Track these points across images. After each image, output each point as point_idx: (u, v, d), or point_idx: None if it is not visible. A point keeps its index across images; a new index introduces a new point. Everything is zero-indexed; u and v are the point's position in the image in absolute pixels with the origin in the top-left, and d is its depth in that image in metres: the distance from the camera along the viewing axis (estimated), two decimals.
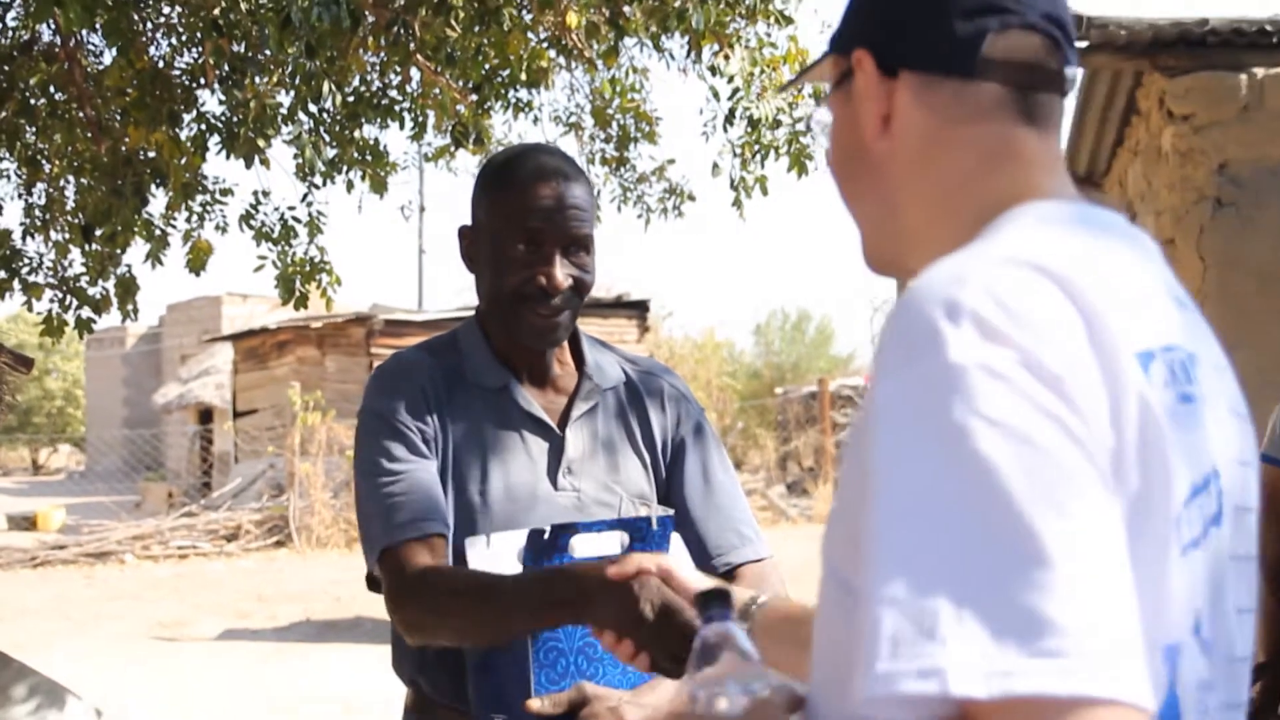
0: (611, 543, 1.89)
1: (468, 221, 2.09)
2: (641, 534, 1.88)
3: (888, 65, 1.09)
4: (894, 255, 1.15)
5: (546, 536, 1.80)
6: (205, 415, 29.04)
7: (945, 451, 0.82)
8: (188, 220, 6.67)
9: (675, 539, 1.95)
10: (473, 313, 2.15)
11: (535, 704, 1.75)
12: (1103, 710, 0.76)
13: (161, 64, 6.18)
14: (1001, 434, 0.81)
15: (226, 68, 5.62)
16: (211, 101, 6.30)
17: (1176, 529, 0.91)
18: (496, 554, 1.87)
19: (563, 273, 1.95)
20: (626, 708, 1.78)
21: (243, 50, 5.64)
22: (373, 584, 1.96)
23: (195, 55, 6.22)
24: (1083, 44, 5.38)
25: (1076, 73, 1.10)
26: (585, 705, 1.77)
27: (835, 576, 0.97)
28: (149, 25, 6.23)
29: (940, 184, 1.08)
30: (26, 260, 6.71)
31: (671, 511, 2.03)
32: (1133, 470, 0.87)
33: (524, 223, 1.95)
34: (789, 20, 5.93)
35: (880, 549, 0.83)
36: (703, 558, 2.00)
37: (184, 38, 6.30)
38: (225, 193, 6.77)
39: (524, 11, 5.74)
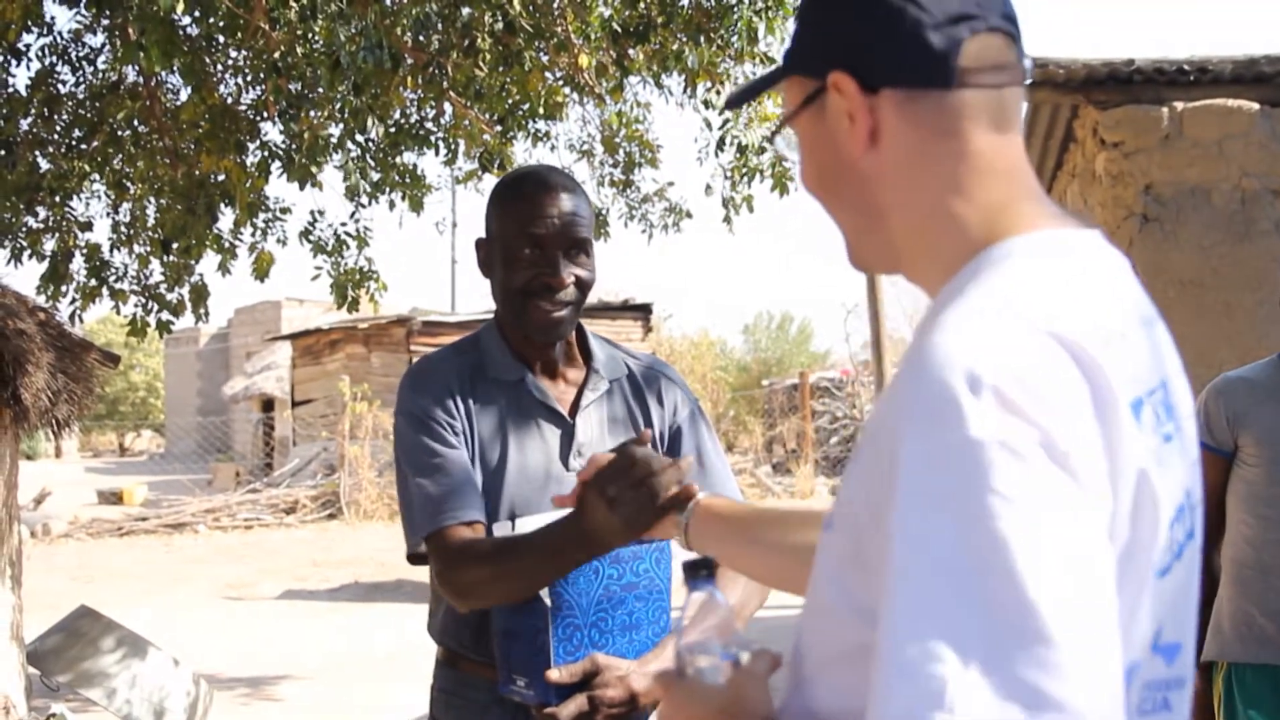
0: None
1: (483, 235, 2.07)
2: None
3: (869, 84, 0.99)
4: (877, 259, 1.07)
5: None
6: (267, 404, 29.05)
7: (962, 525, 0.78)
8: (252, 235, 6.71)
9: None
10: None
11: (554, 674, 1.74)
12: None
13: (230, 100, 6.21)
14: (1015, 512, 0.77)
15: (285, 103, 5.66)
16: (273, 132, 6.30)
17: (1156, 562, 0.89)
18: (519, 533, 1.87)
19: (566, 271, 1.93)
20: (633, 676, 1.78)
21: (299, 88, 5.67)
22: (414, 559, 1.94)
23: (259, 93, 6.24)
24: (1026, 81, 5.39)
25: (1029, 61, 1.03)
26: (598, 675, 1.77)
27: (838, 585, 0.94)
28: (219, 67, 6.26)
29: (927, 195, 0.99)
30: (114, 270, 6.75)
31: None
32: (1125, 525, 0.84)
33: (530, 229, 1.93)
34: (772, 60, 5.93)
35: (896, 612, 0.79)
36: None
37: (249, 77, 6.32)
38: (285, 211, 6.81)
39: (542, 54, 5.75)
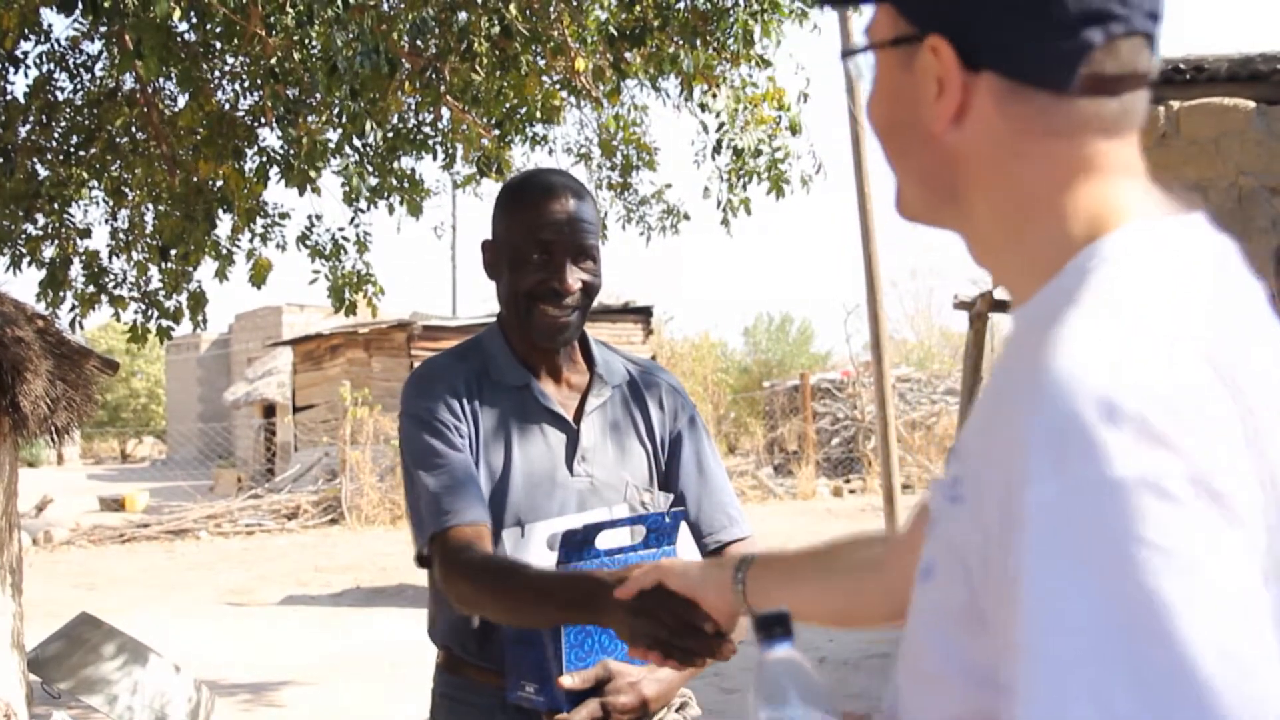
0: (631, 535, 1.90)
1: (489, 237, 2.06)
2: (657, 528, 1.86)
3: (971, 61, 0.85)
4: (933, 218, 0.95)
5: (580, 535, 1.77)
6: (269, 410, 29.03)
7: (1106, 581, 0.67)
8: (250, 241, 6.71)
9: (683, 528, 1.94)
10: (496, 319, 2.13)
11: (568, 680, 1.75)
12: None
13: (227, 106, 6.22)
14: (1167, 564, 0.66)
15: (283, 109, 5.66)
16: (270, 138, 6.30)
17: None
18: (530, 542, 1.87)
19: (573, 277, 1.93)
20: (645, 682, 1.80)
21: (296, 94, 5.67)
22: (421, 562, 1.93)
23: (256, 99, 6.25)
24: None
25: (1158, 58, 0.88)
26: (610, 681, 1.78)
27: (946, 646, 0.83)
28: (216, 73, 6.27)
29: (1013, 193, 0.87)
30: (113, 277, 6.75)
31: (683, 508, 2.01)
32: (1275, 579, 0.72)
33: (538, 234, 1.92)
34: (768, 63, 5.97)
35: (1032, 682, 0.69)
36: (696, 535, 2.02)
37: (246, 84, 6.33)
38: (283, 217, 6.81)
39: (539, 58, 5.76)
